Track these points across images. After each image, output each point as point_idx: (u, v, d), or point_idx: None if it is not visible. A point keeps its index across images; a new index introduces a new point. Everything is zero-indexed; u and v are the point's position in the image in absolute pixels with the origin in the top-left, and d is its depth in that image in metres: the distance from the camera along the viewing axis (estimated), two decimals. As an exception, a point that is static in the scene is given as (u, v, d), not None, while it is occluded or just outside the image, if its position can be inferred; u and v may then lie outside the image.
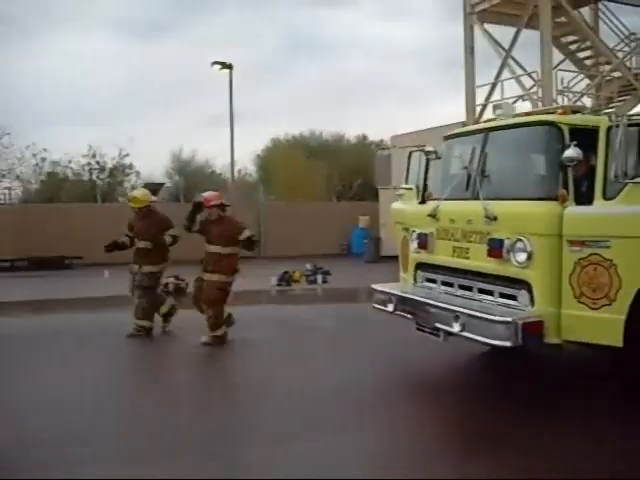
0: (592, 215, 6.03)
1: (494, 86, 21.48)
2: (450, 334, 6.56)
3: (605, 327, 5.90)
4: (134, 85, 59.84)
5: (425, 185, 7.90)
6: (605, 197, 6.03)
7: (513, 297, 6.38)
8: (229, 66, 26.35)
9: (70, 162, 37.83)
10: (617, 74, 21.43)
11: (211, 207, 9.10)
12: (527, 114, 6.83)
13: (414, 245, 7.57)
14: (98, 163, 38.71)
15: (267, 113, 60.96)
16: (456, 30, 22.36)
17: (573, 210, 6.08)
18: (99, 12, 60.54)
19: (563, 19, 20.47)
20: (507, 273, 6.40)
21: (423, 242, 7.43)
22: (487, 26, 21.80)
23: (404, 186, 8.41)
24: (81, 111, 56.51)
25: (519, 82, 21.00)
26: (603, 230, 5.89)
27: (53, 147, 50.77)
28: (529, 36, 21.02)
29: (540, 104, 18.91)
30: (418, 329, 6.99)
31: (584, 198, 6.25)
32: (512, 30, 21.39)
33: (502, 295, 6.52)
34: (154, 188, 22.95)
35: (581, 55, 22.70)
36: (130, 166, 39.59)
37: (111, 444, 5.37)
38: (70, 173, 38.91)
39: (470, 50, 22.03)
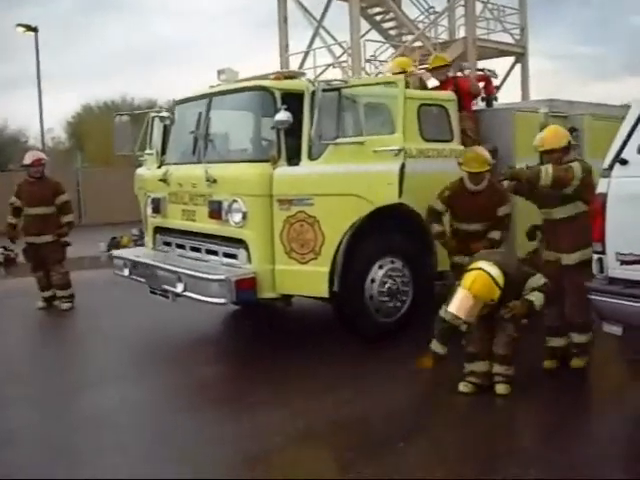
0: (297, 175, 6.39)
1: (307, 54, 22.24)
2: (178, 295, 6.71)
3: (313, 279, 6.33)
4: None
5: (163, 150, 7.96)
6: (311, 158, 6.39)
7: (234, 256, 6.63)
8: (34, 29, 24.83)
9: None
10: (418, 44, 22.77)
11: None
12: (247, 80, 7.03)
13: (149, 210, 7.65)
14: None
15: (74, 76, 58.12)
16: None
17: (281, 171, 6.40)
18: None
19: None
20: (227, 233, 6.64)
21: (157, 206, 7.53)
22: None
23: (147, 152, 8.44)
24: None
25: (330, 51, 21.94)
26: (306, 189, 6.28)
27: None
28: (339, 6, 21.86)
29: (350, 72, 19.89)
30: (151, 292, 7.11)
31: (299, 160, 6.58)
32: (322, 1, 22.21)
33: (226, 255, 6.75)
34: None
35: (386, 26, 23.87)
36: None
37: None
38: None
39: (284, 19, 22.61)
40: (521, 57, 24.45)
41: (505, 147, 7.87)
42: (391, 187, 6.09)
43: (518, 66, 24.49)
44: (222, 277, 6.18)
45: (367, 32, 23.32)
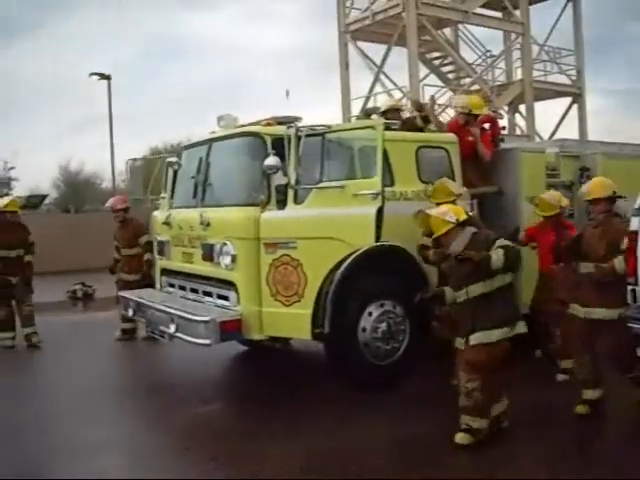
0: (281, 219, 6.51)
1: (367, 99, 22.95)
2: (171, 336, 6.87)
3: (296, 321, 6.40)
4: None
5: (172, 194, 8.23)
6: (296, 202, 6.51)
7: (226, 298, 6.77)
8: (107, 77, 26.01)
9: None
10: (476, 87, 23.00)
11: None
12: (242, 126, 7.24)
13: (156, 252, 7.91)
14: (-18, 176, 37.67)
15: (142, 119, 60.27)
16: (321, 36, 23.93)
17: (268, 215, 6.53)
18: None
19: (428, 38, 21.98)
20: (219, 275, 6.79)
21: (161, 249, 7.79)
22: (360, 44, 23.37)
23: (162, 195, 8.74)
24: None
25: (390, 95, 22.45)
26: (290, 232, 6.40)
27: None
28: (398, 52, 22.61)
29: (408, 114, 20.18)
30: (149, 332, 7.30)
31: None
32: (383, 47, 22.97)
33: (219, 297, 6.90)
34: (35, 202, 22.58)
35: (444, 70, 24.30)
36: (16, 179, 38.67)
37: None
38: None
39: (345, 65, 23.46)
40: (578, 97, 24.32)
41: (511, 188, 7.83)
42: (368, 230, 6.12)
43: (575, 106, 24.23)
44: (207, 318, 6.32)
45: (426, 76, 23.83)
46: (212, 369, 7.98)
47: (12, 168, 37.35)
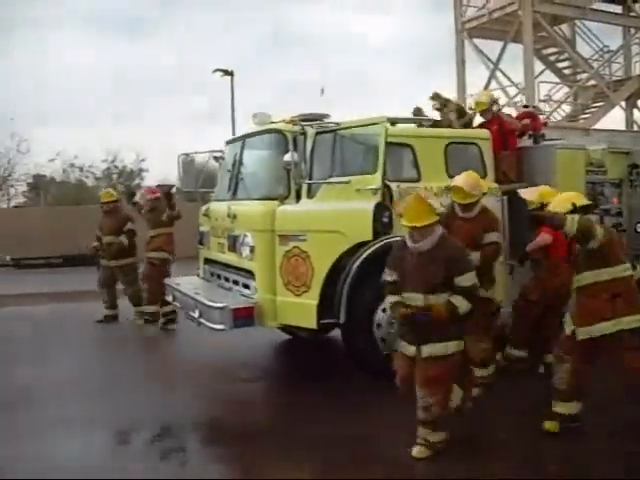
0: (294, 212, 6.79)
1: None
2: (197, 321, 7.28)
3: (304, 311, 6.64)
4: (121, 85, 60.81)
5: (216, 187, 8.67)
6: (309, 196, 6.77)
7: (248, 287, 7.13)
8: (230, 73, 27.29)
9: (91, 167, 39.56)
10: (592, 82, 22.37)
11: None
12: (271, 123, 7.55)
13: (197, 242, 8.40)
14: (116, 167, 40.45)
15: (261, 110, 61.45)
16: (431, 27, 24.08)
17: (283, 208, 6.83)
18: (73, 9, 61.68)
19: (544, 34, 21.80)
20: (242, 265, 7.17)
21: (201, 239, 8.27)
22: (476, 41, 23.42)
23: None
24: (68, 111, 57.49)
25: (505, 91, 22.61)
26: (301, 225, 6.66)
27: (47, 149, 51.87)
28: (513, 48, 22.55)
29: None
30: (186, 317, 7.78)
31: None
32: (498, 44, 23.01)
33: (244, 285, 7.27)
34: (166, 190, 24.00)
35: (560, 65, 23.79)
36: (147, 169, 41.19)
37: None
38: (92, 177, 40.66)
39: (462, 63, 23.56)
40: (700, 91, 22.78)
41: (546, 185, 7.67)
42: (365, 225, 6.28)
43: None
44: (220, 305, 6.70)
45: (541, 72, 23.34)
46: (255, 352, 8.40)
47: (143, 160, 39.76)
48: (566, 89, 23.85)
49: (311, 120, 7.20)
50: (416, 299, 4.82)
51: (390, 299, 5.06)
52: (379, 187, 6.30)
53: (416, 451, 4.86)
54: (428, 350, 4.80)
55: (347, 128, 6.69)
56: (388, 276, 5.05)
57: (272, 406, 6.44)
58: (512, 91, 22.90)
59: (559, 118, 23.37)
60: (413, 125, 7.49)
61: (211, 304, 6.82)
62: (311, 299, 6.57)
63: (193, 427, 5.80)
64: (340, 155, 6.74)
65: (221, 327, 6.70)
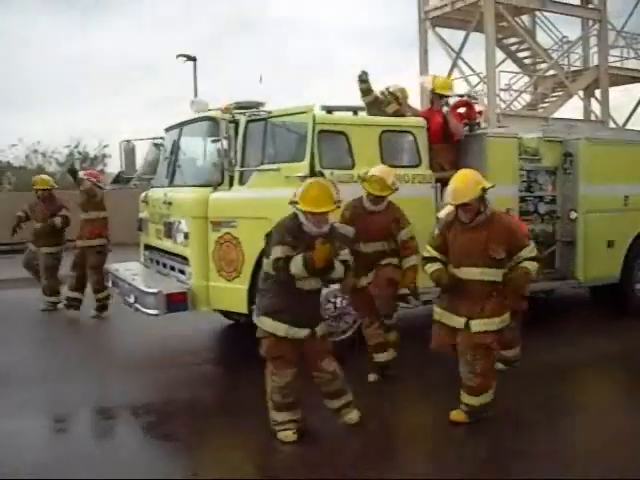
0: (225, 199, 6.87)
1: None
2: (133, 306, 7.33)
3: (236, 296, 6.75)
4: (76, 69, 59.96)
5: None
6: (241, 183, 6.86)
7: (184, 272, 7.21)
8: (193, 58, 27.10)
9: (54, 153, 39.02)
10: (552, 72, 22.72)
11: None
12: (209, 110, 7.60)
13: (136, 228, 8.46)
14: (80, 153, 39.93)
15: (224, 96, 61.09)
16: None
17: (215, 195, 6.91)
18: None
19: (505, 24, 22.13)
20: (177, 251, 7.25)
21: (140, 225, 8.33)
22: (439, 30, 23.93)
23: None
24: (30, 97, 56.13)
25: (467, 81, 23.21)
26: (232, 212, 6.76)
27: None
28: (475, 38, 22.91)
29: (485, 99, 20.44)
30: (124, 302, 7.83)
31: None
32: (460, 33, 23.44)
33: (180, 271, 7.34)
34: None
35: (520, 55, 24.11)
36: (110, 155, 40.63)
37: None
38: (55, 163, 40.12)
39: (424, 52, 24.00)
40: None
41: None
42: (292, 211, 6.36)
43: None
44: (154, 291, 6.78)
45: (502, 62, 23.66)
46: (199, 338, 8.46)
47: (106, 146, 39.28)
48: (526, 78, 24.26)
49: (246, 108, 7.27)
50: None
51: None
52: (307, 174, 6.38)
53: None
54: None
55: (278, 116, 6.76)
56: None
57: (219, 386, 6.52)
58: (474, 80, 23.28)
59: (519, 107, 23.72)
60: (349, 113, 7.58)
61: (145, 289, 6.90)
62: (242, 284, 6.67)
63: (143, 408, 5.79)
64: (271, 143, 6.80)
65: (155, 312, 6.78)
